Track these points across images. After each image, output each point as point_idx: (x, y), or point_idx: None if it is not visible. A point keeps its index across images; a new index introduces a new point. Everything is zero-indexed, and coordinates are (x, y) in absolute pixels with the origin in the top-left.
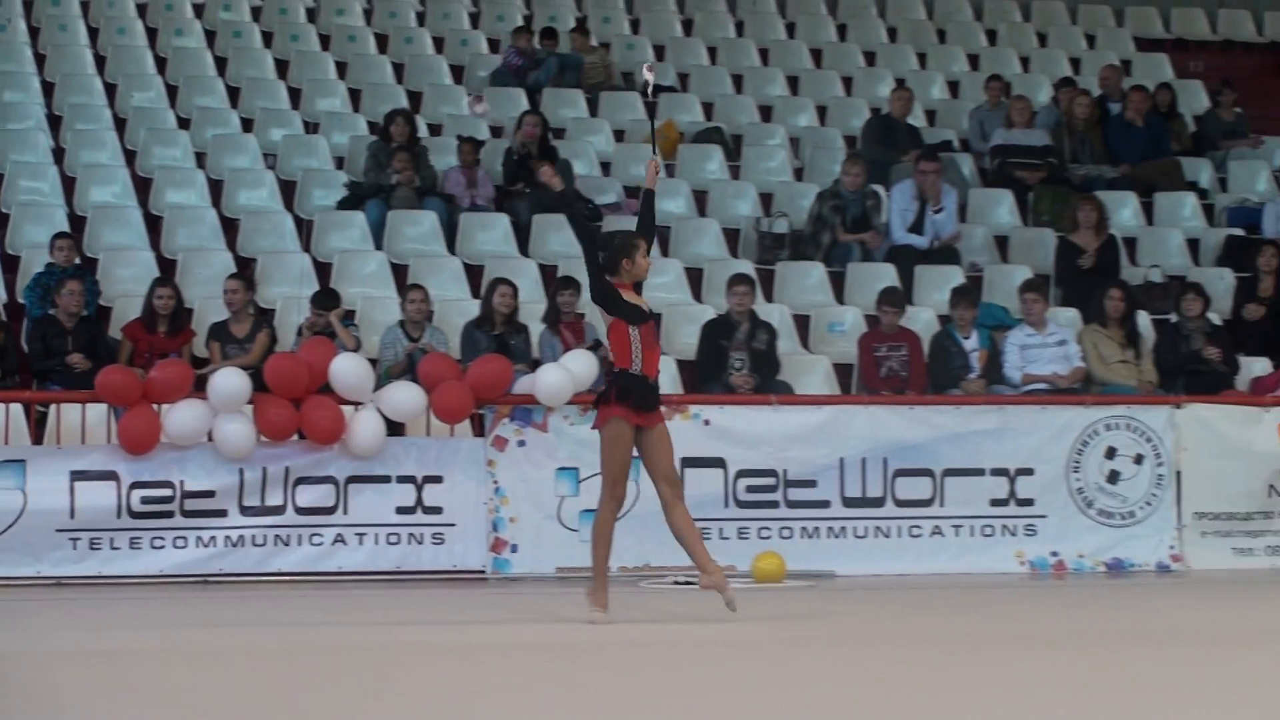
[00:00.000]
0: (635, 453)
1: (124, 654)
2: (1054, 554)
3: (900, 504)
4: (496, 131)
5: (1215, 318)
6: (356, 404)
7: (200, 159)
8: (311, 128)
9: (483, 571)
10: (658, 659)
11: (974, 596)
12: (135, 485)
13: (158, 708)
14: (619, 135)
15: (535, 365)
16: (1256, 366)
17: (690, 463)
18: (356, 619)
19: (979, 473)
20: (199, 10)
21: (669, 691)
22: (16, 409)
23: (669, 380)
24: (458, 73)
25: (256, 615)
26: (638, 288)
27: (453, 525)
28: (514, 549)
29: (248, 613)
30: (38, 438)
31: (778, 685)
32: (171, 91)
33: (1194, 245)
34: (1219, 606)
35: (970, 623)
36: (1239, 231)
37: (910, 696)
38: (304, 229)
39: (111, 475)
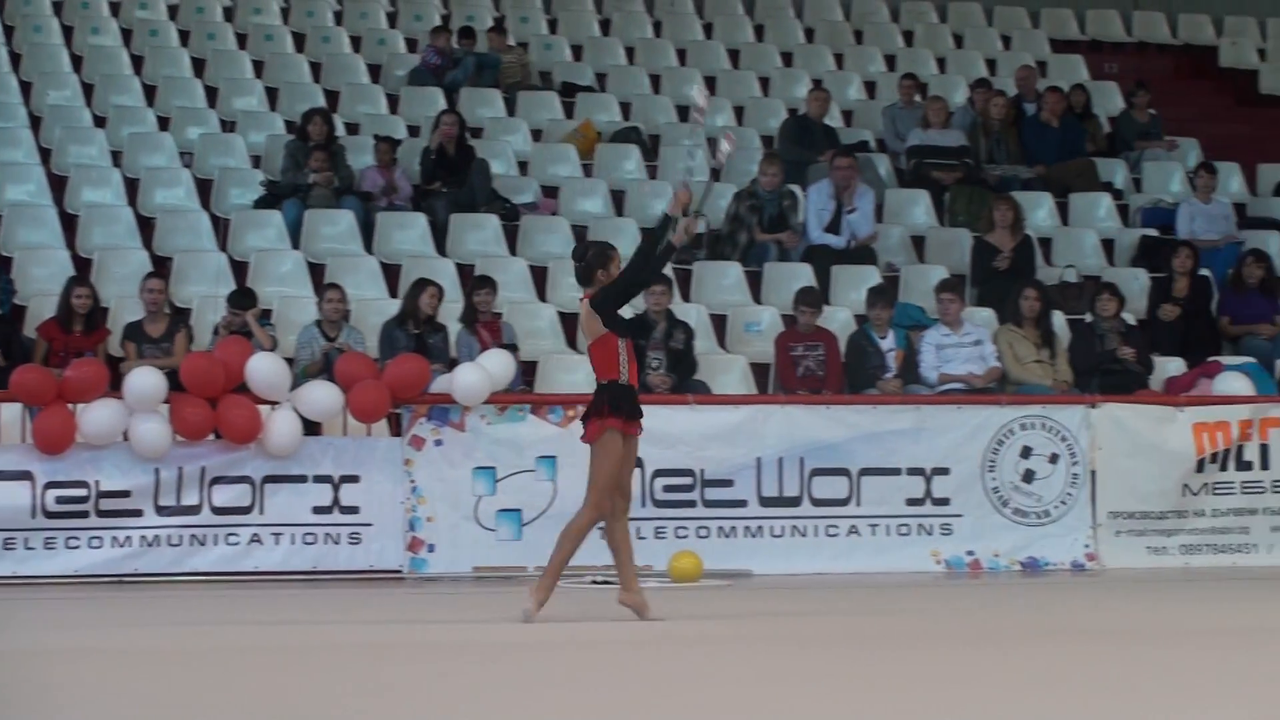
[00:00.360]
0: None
1: (42, 654)
2: (970, 553)
3: (817, 503)
4: (414, 130)
5: (1130, 318)
6: (273, 403)
7: (116, 157)
8: (228, 126)
9: (399, 571)
10: (576, 658)
11: (891, 596)
12: (50, 485)
13: (77, 707)
14: (536, 135)
15: (453, 365)
16: (1171, 366)
17: None
18: (273, 619)
19: (895, 472)
20: (115, 8)
21: (587, 691)
22: None
23: (586, 380)
24: (375, 72)
25: (173, 615)
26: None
27: (369, 525)
28: (431, 548)
29: (164, 613)
30: None
31: (698, 684)
32: (87, 89)
33: (1109, 245)
34: (1134, 605)
35: (890, 622)
36: (1153, 232)
37: (834, 696)
38: (221, 228)
39: (26, 475)
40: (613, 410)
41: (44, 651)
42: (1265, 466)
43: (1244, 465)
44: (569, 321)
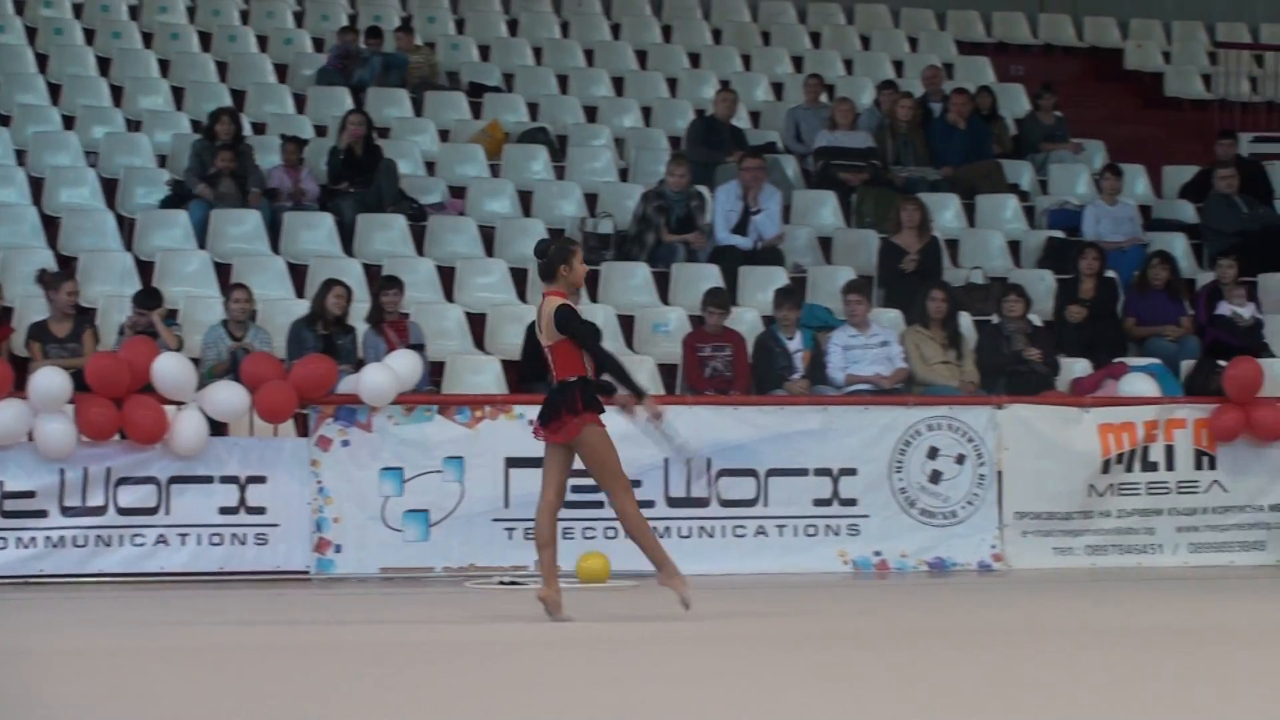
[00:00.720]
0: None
1: None
2: (877, 553)
3: (724, 504)
4: (321, 130)
5: (1036, 319)
6: (179, 404)
7: (21, 156)
8: (134, 125)
9: (306, 572)
10: (489, 660)
11: (799, 596)
12: None
13: None
14: (444, 135)
15: (360, 365)
16: (1076, 367)
17: (515, 463)
18: (180, 619)
19: (802, 473)
20: (20, 6)
21: (499, 692)
22: None
23: (493, 380)
24: (282, 71)
25: (79, 616)
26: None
27: (276, 525)
28: (338, 549)
29: (69, 614)
30: None
31: (609, 684)
32: None
33: (1015, 247)
34: (1040, 605)
35: (799, 623)
36: (1059, 234)
37: (749, 695)
38: (126, 227)
39: None
40: (586, 406)
41: None
42: (1170, 467)
43: (1149, 466)
44: (476, 322)
